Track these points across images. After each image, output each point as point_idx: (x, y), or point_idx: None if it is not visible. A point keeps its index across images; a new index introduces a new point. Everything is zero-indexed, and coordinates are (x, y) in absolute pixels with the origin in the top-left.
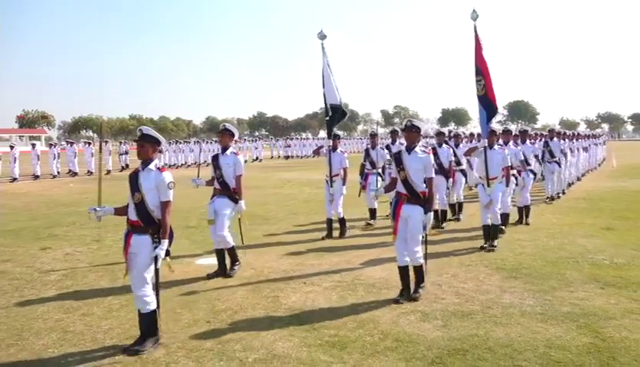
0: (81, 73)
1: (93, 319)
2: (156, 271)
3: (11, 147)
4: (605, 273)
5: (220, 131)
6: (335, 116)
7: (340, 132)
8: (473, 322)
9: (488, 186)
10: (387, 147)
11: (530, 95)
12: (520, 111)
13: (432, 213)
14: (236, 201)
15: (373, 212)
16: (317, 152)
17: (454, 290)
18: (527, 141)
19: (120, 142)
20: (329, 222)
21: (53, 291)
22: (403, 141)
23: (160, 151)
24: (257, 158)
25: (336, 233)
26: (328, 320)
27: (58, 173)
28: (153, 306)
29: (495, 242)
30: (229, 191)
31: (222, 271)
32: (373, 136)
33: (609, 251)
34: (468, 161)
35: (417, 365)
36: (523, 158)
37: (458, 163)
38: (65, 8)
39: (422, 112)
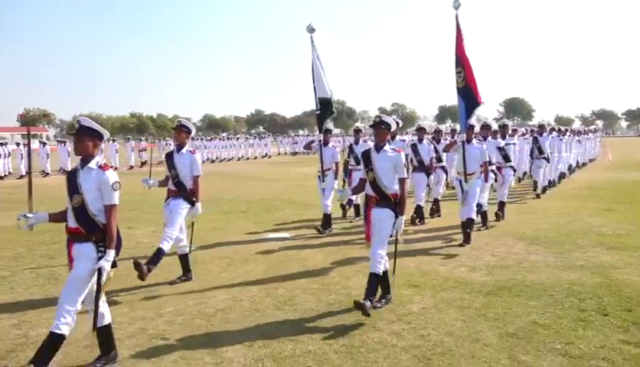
0: (80, 72)
1: None
2: (98, 286)
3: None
4: (609, 240)
5: (175, 127)
6: (326, 110)
7: (338, 130)
8: (510, 271)
9: (466, 181)
10: (414, 145)
11: (526, 92)
12: (516, 108)
13: (403, 217)
14: (192, 203)
15: (328, 218)
16: (308, 147)
17: (490, 252)
18: (513, 137)
19: (140, 139)
20: (325, 216)
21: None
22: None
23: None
24: (266, 155)
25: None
26: (399, 270)
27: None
28: (103, 321)
29: (469, 239)
30: (185, 192)
31: (188, 277)
32: (357, 132)
33: (611, 226)
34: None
35: (477, 296)
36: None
37: (439, 159)
38: (60, 7)
39: (420, 109)
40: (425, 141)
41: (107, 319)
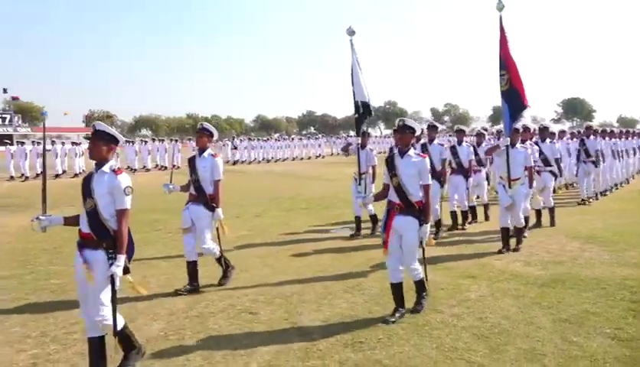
0: (140, 74)
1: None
2: (113, 292)
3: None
4: None
5: (197, 131)
6: (365, 114)
7: (388, 131)
8: (565, 267)
9: (510, 187)
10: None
11: (587, 92)
12: (576, 108)
13: (428, 225)
14: (212, 209)
15: (359, 221)
16: (346, 149)
17: (544, 249)
18: (547, 140)
19: (190, 139)
20: (357, 219)
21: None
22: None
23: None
24: (320, 155)
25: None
26: (455, 263)
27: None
28: (119, 326)
29: (520, 246)
30: (204, 197)
31: (194, 287)
32: (364, 135)
33: None
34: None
35: (532, 287)
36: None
37: (480, 162)
38: (120, 14)
39: (473, 109)
40: (464, 144)
41: (121, 323)
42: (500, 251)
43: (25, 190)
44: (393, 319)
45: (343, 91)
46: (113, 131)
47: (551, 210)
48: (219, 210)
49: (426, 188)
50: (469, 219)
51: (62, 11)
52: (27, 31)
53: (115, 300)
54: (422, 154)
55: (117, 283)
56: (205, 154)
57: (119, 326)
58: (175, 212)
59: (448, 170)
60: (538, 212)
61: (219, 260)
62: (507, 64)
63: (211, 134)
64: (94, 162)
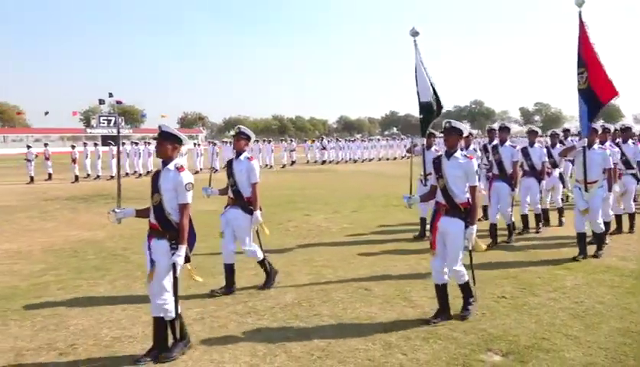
0: (228, 78)
1: None
2: (175, 279)
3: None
4: None
5: (234, 135)
6: (430, 115)
7: (476, 131)
8: None
9: (586, 190)
10: (495, 147)
11: None
12: None
13: (474, 227)
14: (250, 212)
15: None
16: (410, 151)
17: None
18: (629, 141)
19: (291, 140)
20: (423, 221)
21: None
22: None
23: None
24: (404, 156)
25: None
26: (550, 255)
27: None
28: (173, 313)
29: (600, 252)
30: (242, 201)
31: (228, 289)
32: (430, 136)
33: None
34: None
35: (627, 279)
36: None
37: (555, 164)
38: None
39: (567, 108)
40: (537, 145)
41: (173, 313)
42: (575, 259)
43: (138, 185)
44: (435, 321)
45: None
46: (177, 132)
47: (631, 216)
48: (257, 213)
49: (472, 189)
50: (542, 223)
51: (151, 17)
52: (128, 42)
53: (176, 287)
54: (469, 155)
55: (178, 270)
56: (242, 157)
57: (174, 314)
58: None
59: (520, 172)
60: (618, 218)
61: (262, 263)
62: (586, 61)
63: (248, 138)
64: (161, 160)
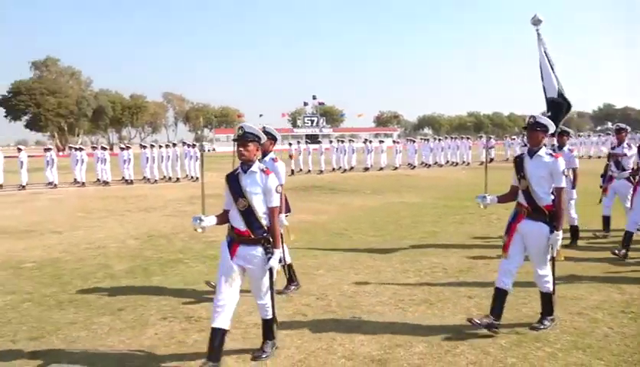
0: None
1: None
2: (271, 283)
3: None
4: None
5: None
6: (558, 111)
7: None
8: None
9: None
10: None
11: None
12: None
13: (560, 233)
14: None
15: (606, 221)
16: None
17: None
18: None
19: (489, 137)
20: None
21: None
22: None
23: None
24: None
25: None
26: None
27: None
28: (271, 314)
29: None
30: None
31: (293, 286)
32: (562, 134)
33: None
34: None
35: None
36: None
37: None
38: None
39: None
40: (625, 145)
41: (274, 311)
42: None
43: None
44: (478, 321)
45: None
46: (259, 131)
47: None
48: (282, 216)
49: (558, 191)
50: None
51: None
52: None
53: (272, 290)
54: (555, 153)
55: (274, 275)
56: (267, 158)
57: (270, 316)
58: None
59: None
60: None
61: (287, 268)
62: None
63: (274, 139)
64: (240, 161)
